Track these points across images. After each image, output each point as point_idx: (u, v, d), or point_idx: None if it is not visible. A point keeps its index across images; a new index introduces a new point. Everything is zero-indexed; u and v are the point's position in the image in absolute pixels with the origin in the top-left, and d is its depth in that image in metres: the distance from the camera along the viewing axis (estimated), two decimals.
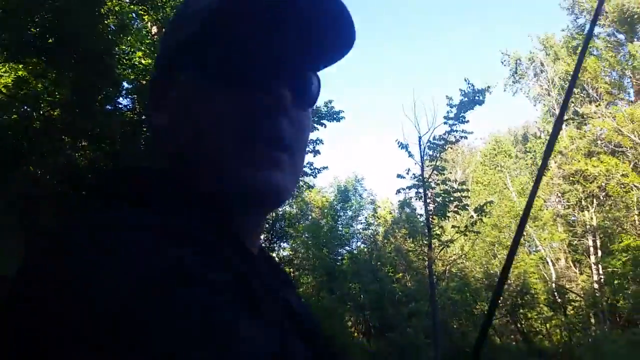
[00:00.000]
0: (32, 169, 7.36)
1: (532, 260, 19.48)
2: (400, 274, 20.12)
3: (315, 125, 14.90)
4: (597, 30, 21.80)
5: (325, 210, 24.48)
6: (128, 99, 8.85)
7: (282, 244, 18.85)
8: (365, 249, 22.48)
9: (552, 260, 19.78)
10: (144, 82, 8.67)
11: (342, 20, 0.58)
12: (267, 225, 16.43)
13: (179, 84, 0.59)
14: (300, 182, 16.54)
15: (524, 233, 19.74)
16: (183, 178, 0.56)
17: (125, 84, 8.58)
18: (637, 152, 18.28)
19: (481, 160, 27.03)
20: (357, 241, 23.93)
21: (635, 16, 20.20)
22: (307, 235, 21.12)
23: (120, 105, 8.63)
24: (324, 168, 15.95)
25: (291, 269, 17.70)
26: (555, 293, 18.14)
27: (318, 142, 15.22)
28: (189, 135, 0.57)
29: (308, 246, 20.68)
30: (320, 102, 15.13)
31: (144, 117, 8.77)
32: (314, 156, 15.18)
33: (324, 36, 0.59)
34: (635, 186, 17.71)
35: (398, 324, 14.68)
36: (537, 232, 20.06)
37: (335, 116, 15.15)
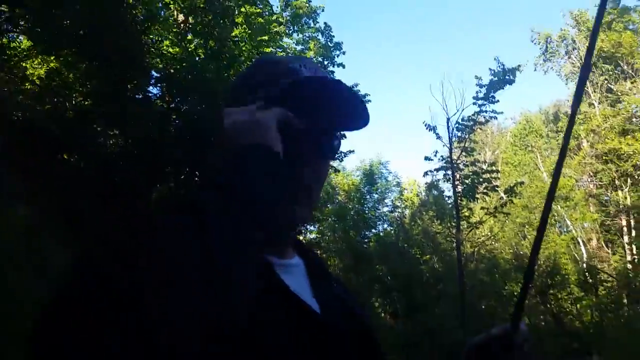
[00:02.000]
0: (66, 157, 7.61)
1: (563, 240, 19.15)
2: (428, 256, 20.06)
3: None
4: (632, 2, 20.96)
5: (352, 194, 24.49)
6: (157, 88, 9.02)
7: (309, 227, 18.99)
8: (392, 232, 22.46)
9: (583, 241, 19.45)
10: (172, 70, 8.81)
11: (360, 109, 0.87)
12: None
13: None
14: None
15: (555, 214, 19.29)
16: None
17: (154, 73, 8.73)
18: None
19: (511, 141, 26.50)
20: (384, 224, 23.95)
21: None
22: (334, 218, 21.21)
23: (150, 94, 8.80)
24: (350, 152, 15.88)
25: (318, 252, 17.85)
26: (587, 273, 17.84)
27: None
28: None
29: (335, 229, 20.78)
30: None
31: (172, 106, 8.92)
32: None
33: (350, 117, 0.89)
34: None
35: (426, 305, 14.73)
36: (569, 213, 19.71)
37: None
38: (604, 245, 19.97)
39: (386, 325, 16.65)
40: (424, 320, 13.66)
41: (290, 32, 13.38)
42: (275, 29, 11.33)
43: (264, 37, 10.78)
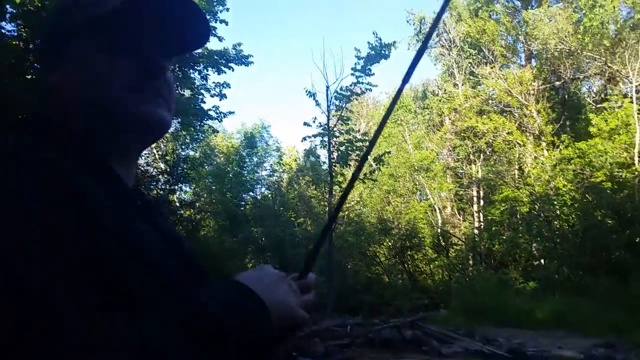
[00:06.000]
0: None
1: (421, 207, 21.03)
2: (302, 219, 20.81)
3: (222, 68, 14.49)
4: None
5: (231, 156, 24.36)
6: (12, 25, 8.13)
7: (183, 187, 18.58)
8: (270, 195, 22.85)
9: (439, 208, 21.47)
10: (32, 7, 7.98)
11: (200, 25, 0.84)
12: (167, 168, 16.05)
13: (78, 50, 0.77)
14: (205, 126, 16.23)
15: (416, 183, 20.92)
16: (73, 119, 0.76)
17: (9, 8, 7.84)
18: (522, 112, 19.90)
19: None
20: (262, 187, 24.28)
21: None
22: (210, 179, 21.01)
23: (3, 31, 7.91)
24: (230, 113, 15.68)
25: (192, 212, 17.62)
26: (440, 237, 19.84)
27: (224, 85, 14.83)
28: (91, 88, 0.75)
29: (212, 191, 20.61)
30: (228, 44, 14.64)
31: (31, 46, 8.13)
32: (220, 100, 14.80)
33: (188, 33, 0.84)
34: (517, 143, 19.44)
35: (296, 264, 15.41)
36: (428, 183, 21.55)
37: (243, 60, 14.73)
38: (456, 212, 22.26)
39: None
40: None
41: None
42: None
43: None
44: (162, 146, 18.67)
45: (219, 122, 15.89)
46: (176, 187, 16.69)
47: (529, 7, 21.82)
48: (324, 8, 58.78)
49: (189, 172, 16.81)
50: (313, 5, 59.43)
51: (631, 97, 16.19)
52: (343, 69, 15.91)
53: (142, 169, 15.38)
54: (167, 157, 16.90)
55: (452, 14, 24.00)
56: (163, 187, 15.31)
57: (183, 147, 18.94)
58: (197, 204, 18.40)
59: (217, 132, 18.71)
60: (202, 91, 14.68)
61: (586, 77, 20.44)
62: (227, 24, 14.17)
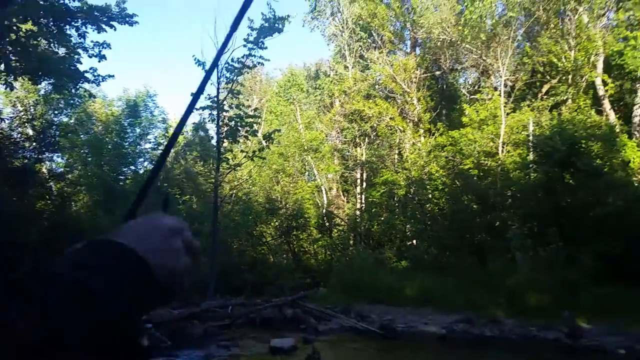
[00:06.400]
0: None
1: (309, 188, 21.45)
2: (187, 197, 20.17)
3: (103, 26, 13.34)
4: None
5: (111, 126, 22.71)
6: None
7: (54, 156, 17.02)
8: None
9: (326, 189, 22.07)
10: None
11: None
12: (35, 134, 14.55)
13: None
14: (81, 90, 14.98)
15: (305, 163, 21.25)
16: None
17: None
18: (404, 99, 20.98)
19: (276, 91, 27.85)
20: (145, 161, 23.00)
21: None
22: (86, 150, 19.40)
23: None
24: (110, 76, 14.59)
25: (63, 184, 16.21)
26: (325, 218, 20.43)
27: (105, 46, 13.70)
28: None
29: (87, 162, 19.07)
30: (111, 0, 13.49)
31: None
32: (99, 61, 13.71)
33: None
34: (399, 129, 20.52)
35: None
36: (317, 164, 22.01)
37: (127, 19, 13.67)
38: (341, 194, 23.06)
39: None
40: None
41: None
42: None
43: None
44: (30, 109, 16.88)
45: (97, 85, 14.77)
46: (44, 156, 15.23)
47: None
48: None
49: (61, 140, 15.41)
50: None
51: (500, 91, 17.79)
52: (235, 39, 15.11)
53: (4, 133, 13.82)
54: (36, 122, 15.31)
55: None
56: (29, 155, 13.88)
57: (55, 111, 17.31)
58: (69, 176, 16.94)
59: (95, 97, 17.29)
60: (79, 50, 13.53)
61: (463, 68, 21.92)
62: None
